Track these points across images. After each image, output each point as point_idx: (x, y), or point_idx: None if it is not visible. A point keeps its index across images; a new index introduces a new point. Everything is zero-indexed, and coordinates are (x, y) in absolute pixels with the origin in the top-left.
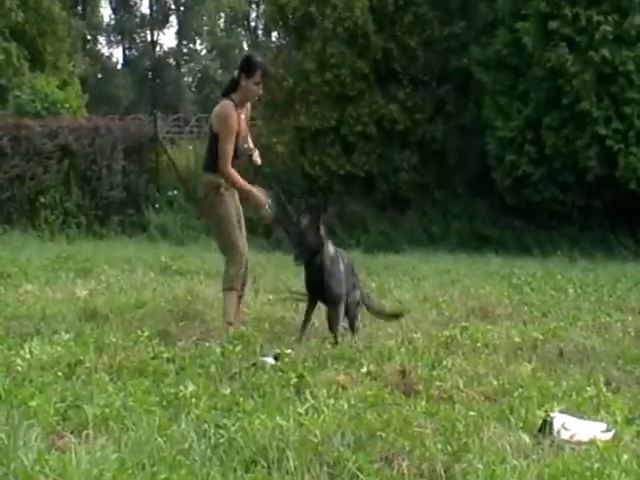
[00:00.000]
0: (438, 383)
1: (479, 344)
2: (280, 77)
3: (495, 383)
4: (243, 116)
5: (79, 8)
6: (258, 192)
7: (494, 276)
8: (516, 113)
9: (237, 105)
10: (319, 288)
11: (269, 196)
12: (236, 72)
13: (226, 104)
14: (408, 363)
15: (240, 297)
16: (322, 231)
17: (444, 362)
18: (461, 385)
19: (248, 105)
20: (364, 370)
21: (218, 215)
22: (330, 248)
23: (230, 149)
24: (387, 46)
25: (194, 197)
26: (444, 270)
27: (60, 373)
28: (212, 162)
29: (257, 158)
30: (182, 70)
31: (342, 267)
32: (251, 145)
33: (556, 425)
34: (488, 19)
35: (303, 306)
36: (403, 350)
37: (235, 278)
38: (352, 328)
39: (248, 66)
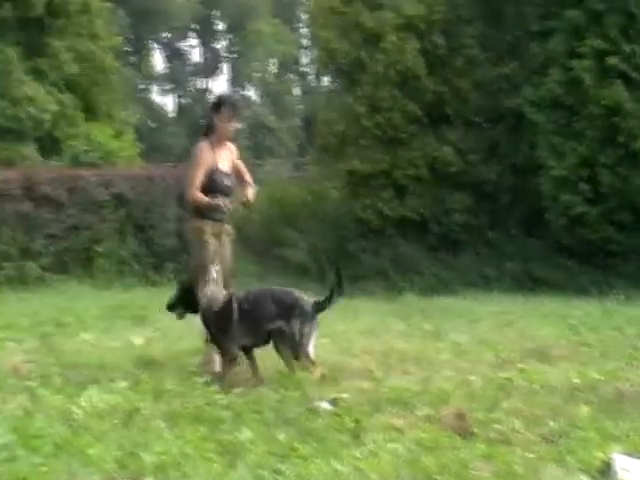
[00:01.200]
0: (495, 425)
1: (536, 386)
2: (332, 121)
3: (553, 425)
4: (225, 155)
5: (132, 58)
6: (218, 201)
7: (550, 317)
8: (570, 152)
9: (213, 144)
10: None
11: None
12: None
13: (199, 143)
14: (465, 406)
15: None
16: None
17: (501, 404)
18: (519, 427)
19: (232, 146)
20: (420, 413)
21: (198, 259)
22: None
23: (195, 178)
24: (438, 89)
25: (248, 244)
26: (499, 311)
27: (117, 421)
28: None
29: (248, 195)
30: None
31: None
32: (250, 184)
33: (617, 467)
34: (540, 59)
35: (359, 350)
36: (460, 392)
37: None
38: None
39: (216, 104)
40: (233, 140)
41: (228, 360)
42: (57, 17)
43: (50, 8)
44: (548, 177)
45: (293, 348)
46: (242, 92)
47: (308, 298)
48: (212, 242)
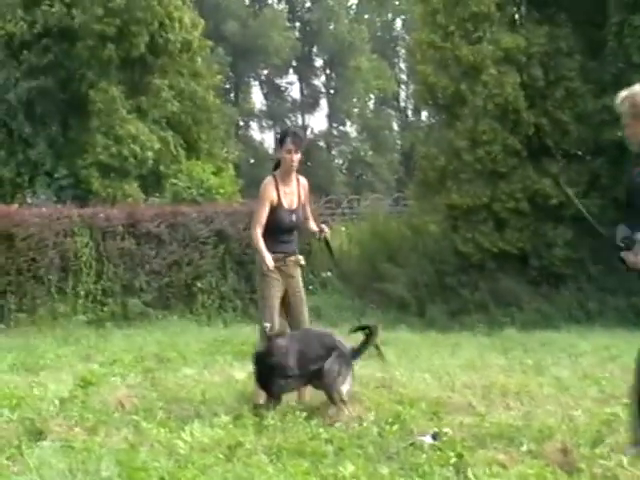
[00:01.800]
0: (601, 461)
1: None
2: (432, 156)
3: None
4: (289, 190)
5: (231, 95)
6: (269, 256)
7: None
8: None
9: (278, 179)
10: None
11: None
12: None
13: (265, 179)
14: (569, 441)
15: None
16: None
17: (606, 440)
18: (625, 463)
19: (303, 181)
20: (524, 449)
21: (260, 292)
22: None
23: (259, 215)
24: (539, 121)
25: (347, 279)
26: (602, 346)
27: (221, 455)
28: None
29: (322, 230)
30: (333, 152)
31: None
32: (311, 220)
33: None
34: None
35: (459, 384)
36: (564, 427)
37: None
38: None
39: (280, 138)
40: (298, 172)
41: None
42: (158, 56)
43: (152, 47)
44: None
45: (329, 385)
46: (341, 127)
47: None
48: (273, 275)
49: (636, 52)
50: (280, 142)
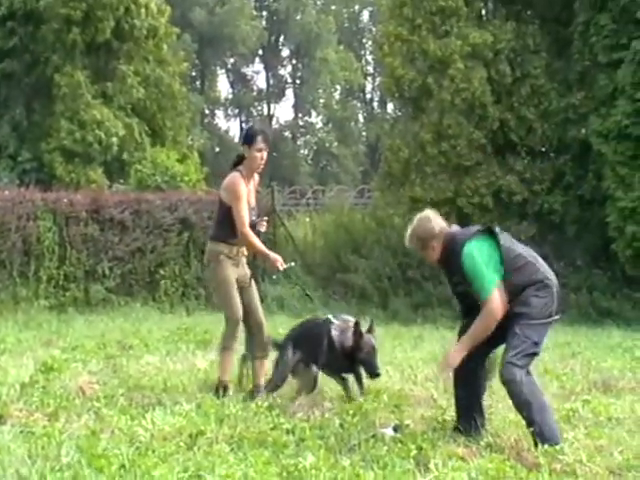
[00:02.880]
0: (560, 457)
1: (602, 418)
2: (396, 148)
3: (619, 457)
4: (250, 187)
5: (197, 83)
6: (274, 254)
7: (616, 349)
8: (638, 183)
9: (244, 176)
10: None
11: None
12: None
13: (233, 175)
14: (529, 436)
15: (257, 359)
16: None
17: (566, 435)
18: (584, 459)
19: (256, 177)
20: (484, 442)
21: (218, 280)
22: None
23: (244, 213)
24: (504, 117)
25: (311, 269)
26: (564, 343)
27: (182, 443)
28: (217, 231)
29: (261, 227)
30: (298, 143)
31: None
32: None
33: None
34: (608, 90)
35: (422, 377)
36: (523, 422)
37: (230, 338)
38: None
39: (249, 136)
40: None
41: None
42: (124, 41)
43: (117, 32)
44: (615, 208)
45: None
46: (307, 118)
47: None
48: (229, 261)
49: (601, 51)
50: (249, 140)
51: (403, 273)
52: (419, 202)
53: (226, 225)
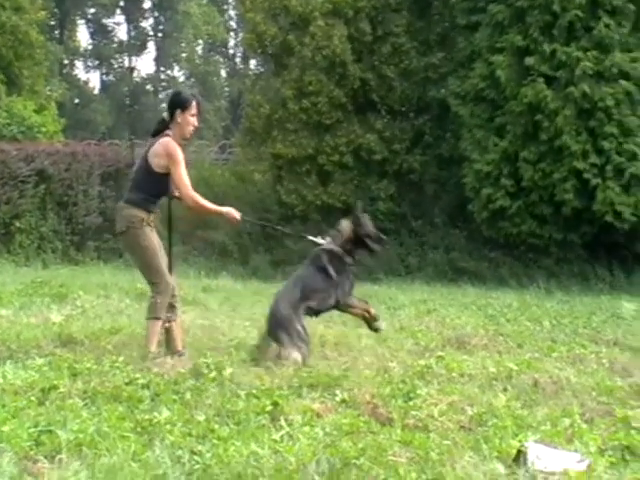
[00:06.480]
0: (413, 412)
1: (454, 374)
2: (258, 104)
3: (470, 413)
4: None
5: (56, 32)
6: (228, 209)
7: (470, 307)
8: (493, 146)
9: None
10: None
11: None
12: (165, 113)
13: (169, 140)
14: (384, 392)
15: (169, 323)
16: None
17: (419, 391)
18: (436, 414)
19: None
20: (339, 398)
21: (142, 246)
22: None
23: (186, 177)
24: (365, 76)
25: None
26: (420, 300)
27: (34, 398)
28: (136, 196)
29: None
30: (160, 96)
31: None
32: None
33: (530, 455)
34: (466, 52)
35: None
36: (379, 379)
37: (161, 308)
38: None
39: (183, 100)
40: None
41: None
42: None
43: None
44: (471, 170)
45: None
46: (169, 72)
47: None
48: (149, 227)
49: (460, 14)
50: (184, 105)
51: (263, 229)
52: (280, 159)
53: (148, 191)
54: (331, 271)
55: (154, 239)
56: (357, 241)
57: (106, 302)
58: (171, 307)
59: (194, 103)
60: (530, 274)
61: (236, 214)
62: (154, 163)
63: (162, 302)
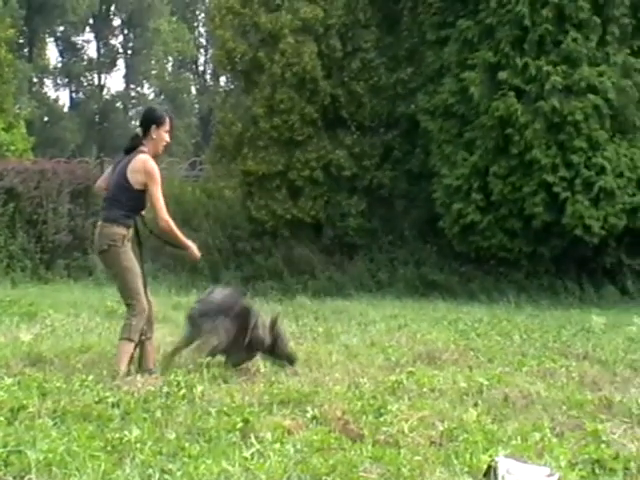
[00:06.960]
0: (384, 428)
1: (425, 389)
2: (229, 122)
3: (441, 428)
4: None
5: (25, 50)
6: (193, 247)
7: (441, 322)
8: (462, 161)
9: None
10: None
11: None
12: (139, 129)
13: (147, 158)
14: (354, 408)
15: (145, 338)
16: None
17: (390, 407)
18: (407, 430)
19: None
20: (310, 414)
21: (123, 267)
22: None
23: (162, 198)
24: (335, 92)
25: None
26: (391, 315)
27: (2, 418)
28: (116, 213)
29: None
30: (130, 114)
31: None
32: None
33: (501, 470)
34: (435, 66)
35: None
36: (349, 395)
37: (135, 330)
38: None
39: (158, 116)
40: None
41: None
42: None
43: None
44: (441, 185)
45: None
46: (138, 89)
47: None
48: (129, 246)
49: (429, 29)
50: (159, 121)
51: (233, 246)
52: (250, 175)
53: (128, 208)
54: None
55: (134, 259)
56: None
57: (76, 320)
58: (148, 322)
59: (167, 119)
60: (500, 288)
61: (197, 254)
62: (132, 179)
63: (137, 325)
